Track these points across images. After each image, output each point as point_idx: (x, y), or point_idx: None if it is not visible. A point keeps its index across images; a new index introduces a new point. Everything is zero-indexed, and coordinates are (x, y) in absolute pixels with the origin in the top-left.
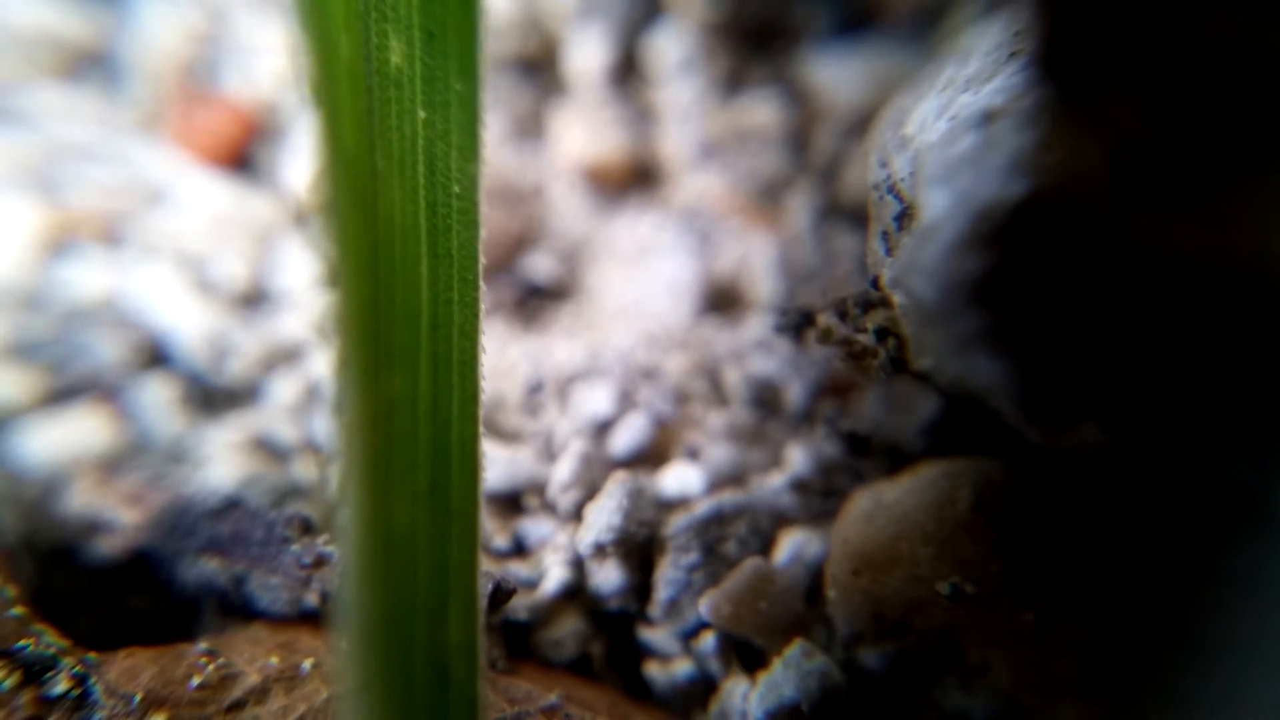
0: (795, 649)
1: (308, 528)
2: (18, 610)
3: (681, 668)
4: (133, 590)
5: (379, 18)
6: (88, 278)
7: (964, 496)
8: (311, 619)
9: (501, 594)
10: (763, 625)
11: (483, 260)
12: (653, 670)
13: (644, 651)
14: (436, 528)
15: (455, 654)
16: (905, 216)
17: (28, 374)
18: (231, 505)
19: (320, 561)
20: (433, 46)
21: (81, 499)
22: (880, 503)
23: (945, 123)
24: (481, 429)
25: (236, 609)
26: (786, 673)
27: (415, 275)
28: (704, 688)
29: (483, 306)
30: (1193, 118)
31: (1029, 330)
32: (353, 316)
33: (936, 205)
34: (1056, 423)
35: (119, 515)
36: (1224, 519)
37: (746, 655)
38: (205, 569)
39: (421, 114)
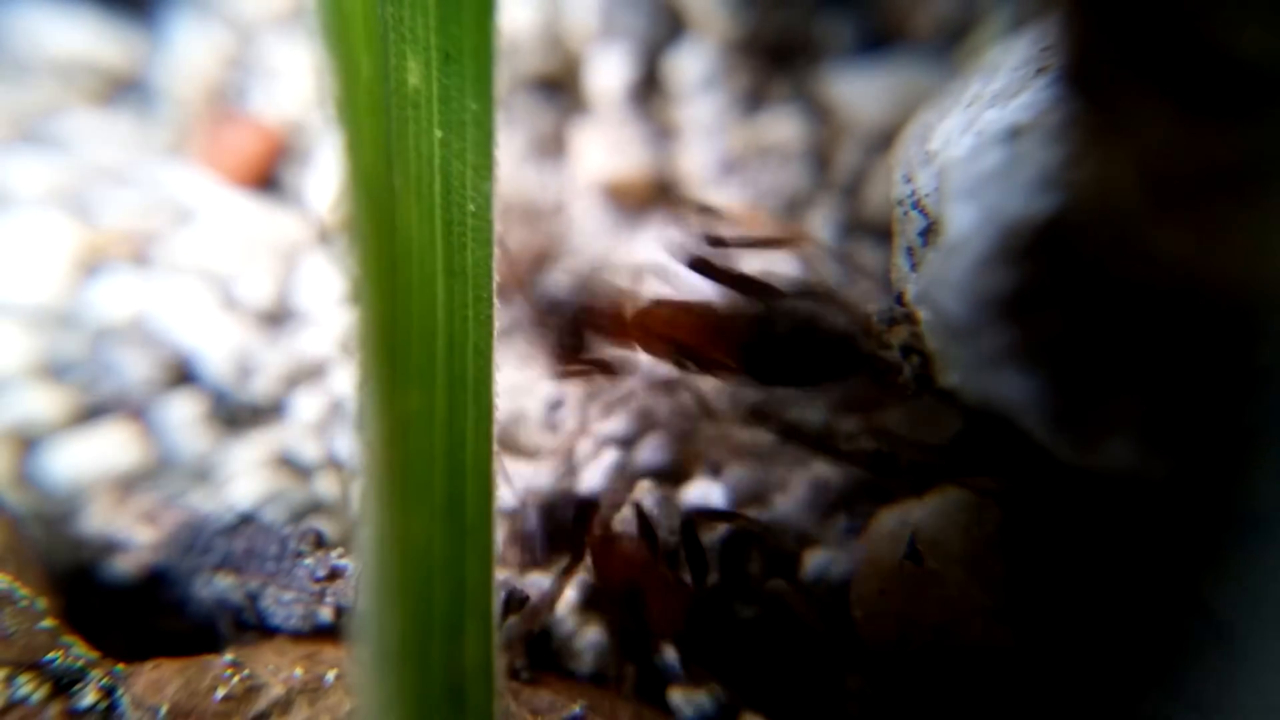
0: None
1: (321, 542)
2: (48, 623)
3: (707, 693)
4: (149, 608)
5: (398, 39)
6: (118, 297)
7: (992, 516)
8: (328, 633)
9: (514, 602)
10: None
11: (498, 278)
12: (676, 698)
13: (666, 675)
14: (452, 547)
15: (472, 675)
16: (930, 232)
17: (59, 393)
18: (245, 521)
19: (334, 575)
20: (449, 68)
21: (99, 518)
22: (906, 522)
23: (971, 138)
24: (498, 446)
25: (251, 625)
26: None
27: (432, 293)
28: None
29: (502, 323)
30: (1225, 133)
31: (1058, 346)
32: (371, 334)
33: (963, 221)
34: (1086, 441)
35: (134, 534)
36: (1247, 542)
37: None
38: (220, 586)
39: (438, 134)
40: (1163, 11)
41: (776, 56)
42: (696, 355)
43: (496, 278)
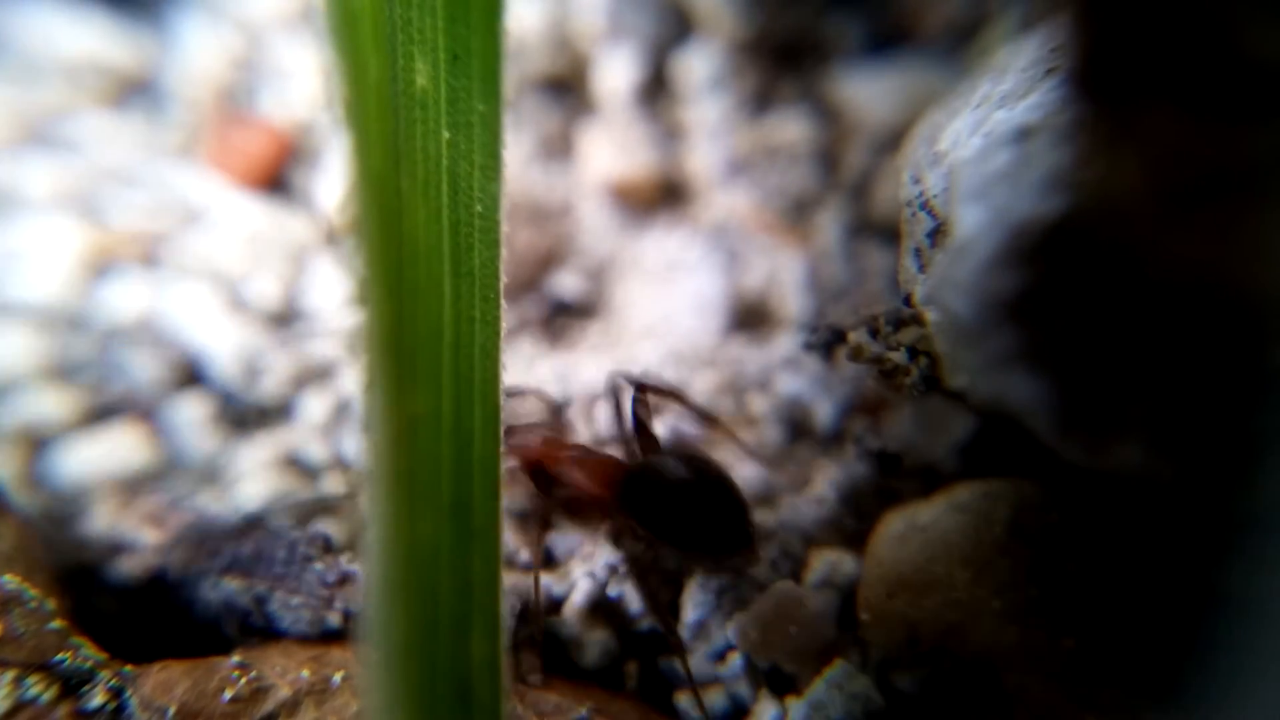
0: (838, 669)
1: (330, 546)
2: (57, 623)
3: (712, 694)
4: (155, 610)
5: (405, 40)
6: (127, 298)
7: (1001, 519)
8: (336, 637)
9: (531, 612)
10: (792, 650)
11: (505, 279)
12: (683, 701)
13: (672, 679)
14: (459, 546)
15: (478, 673)
16: (938, 233)
17: (69, 394)
18: (253, 524)
19: (344, 579)
20: (457, 68)
21: (107, 519)
22: (914, 524)
23: (980, 139)
24: (503, 447)
25: (259, 629)
26: (830, 693)
27: (438, 294)
28: (736, 715)
29: (509, 324)
30: (1236, 134)
31: (1066, 348)
32: (378, 335)
33: (971, 222)
34: (1094, 443)
35: (142, 536)
36: (1258, 542)
37: (775, 678)
38: (227, 589)
39: (446, 134)
40: (1173, 12)
41: (785, 57)
42: (575, 499)
43: (504, 279)
